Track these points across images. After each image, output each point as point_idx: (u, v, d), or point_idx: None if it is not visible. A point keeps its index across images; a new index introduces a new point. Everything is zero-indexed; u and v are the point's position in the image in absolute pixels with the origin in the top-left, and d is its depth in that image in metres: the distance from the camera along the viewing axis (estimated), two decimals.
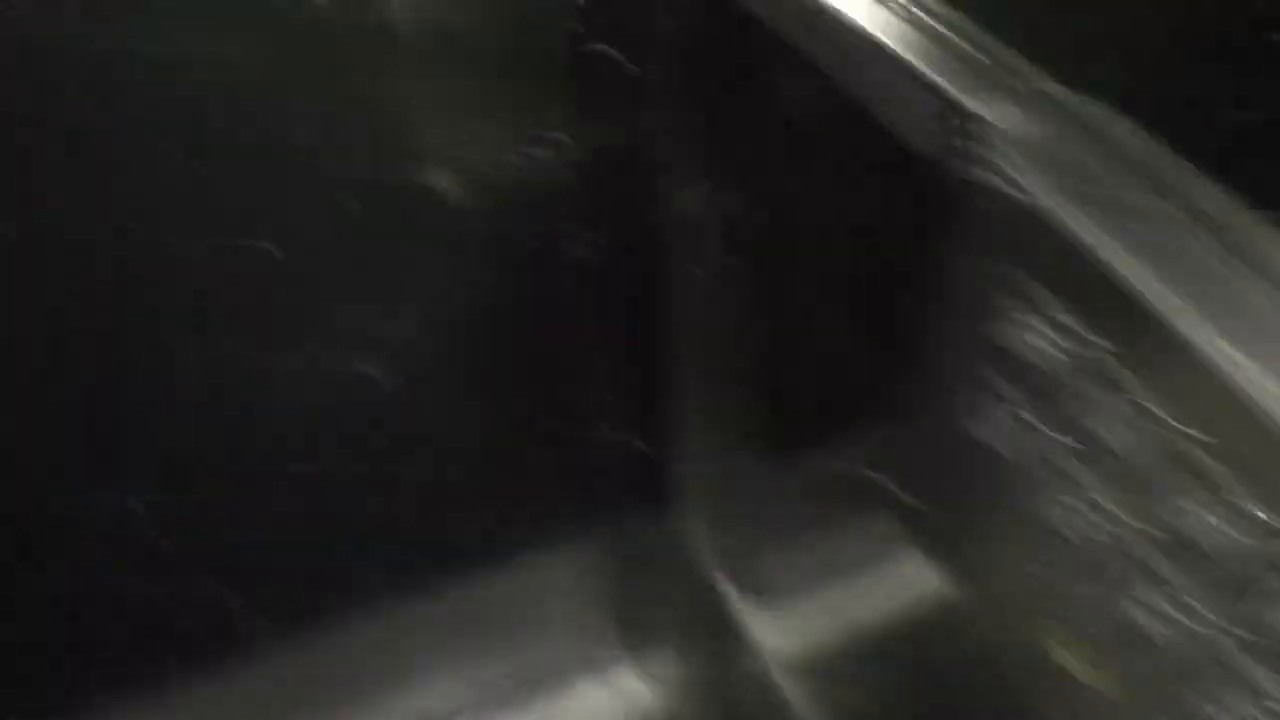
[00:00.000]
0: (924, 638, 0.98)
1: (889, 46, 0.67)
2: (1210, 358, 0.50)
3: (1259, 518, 0.49)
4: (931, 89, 0.64)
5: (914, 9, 0.69)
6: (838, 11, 0.69)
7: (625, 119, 0.83)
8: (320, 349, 0.86)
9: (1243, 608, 0.50)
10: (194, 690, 1.02)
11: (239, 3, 0.71)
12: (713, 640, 1.12)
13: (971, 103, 0.63)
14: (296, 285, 0.83)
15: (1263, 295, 0.52)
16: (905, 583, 1.00)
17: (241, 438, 0.89)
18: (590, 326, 0.93)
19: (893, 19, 0.68)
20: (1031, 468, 0.64)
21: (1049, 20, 0.64)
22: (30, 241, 0.75)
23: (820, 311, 0.84)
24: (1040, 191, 0.59)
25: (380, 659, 1.08)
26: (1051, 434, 0.62)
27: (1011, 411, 0.64)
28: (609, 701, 1.13)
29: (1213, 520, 0.51)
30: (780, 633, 1.07)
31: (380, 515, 0.97)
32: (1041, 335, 0.61)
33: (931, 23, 0.68)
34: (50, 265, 0.77)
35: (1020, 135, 0.61)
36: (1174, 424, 0.52)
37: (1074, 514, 0.62)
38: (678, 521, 1.07)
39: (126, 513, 0.89)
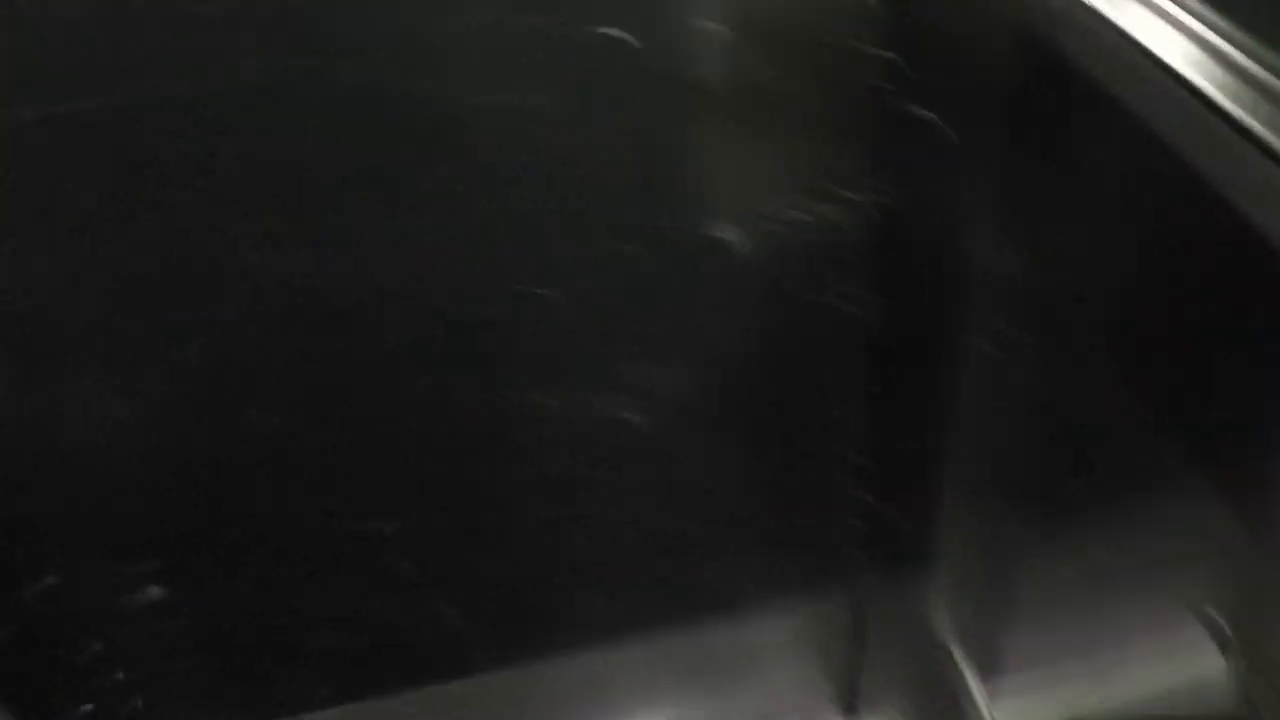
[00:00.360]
0: None
1: (1243, 120, 0.60)
2: None
3: None
4: None
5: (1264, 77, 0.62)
6: (1181, 72, 0.63)
7: (924, 179, 0.79)
8: (587, 393, 0.85)
9: None
10: (413, 705, 1.03)
11: (549, 54, 0.71)
12: (939, 713, 1.07)
13: None
14: (572, 329, 0.82)
15: None
16: (1154, 674, 0.94)
17: (498, 474, 0.89)
18: (857, 387, 0.90)
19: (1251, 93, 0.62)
20: None
21: None
22: (327, 277, 0.76)
23: (1114, 396, 0.78)
24: None
25: (595, 692, 1.08)
26: None
27: None
28: None
29: None
30: (1013, 712, 1.02)
31: (619, 557, 0.96)
32: None
33: None
34: (342, 299, 0.78)
35: None
36: None
37: None
38: (919, 590, 1.02)
39: (373, 535, 0.91)
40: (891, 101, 0.76)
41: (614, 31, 0.70)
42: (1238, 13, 0.62)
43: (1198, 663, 0.82)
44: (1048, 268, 0.80)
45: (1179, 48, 0.63)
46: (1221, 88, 0.61)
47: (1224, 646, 0.74)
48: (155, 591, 0.90)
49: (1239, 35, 0.62)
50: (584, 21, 0.69)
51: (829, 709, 1.12)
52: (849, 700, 1.12)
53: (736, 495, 0.96)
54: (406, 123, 0.72)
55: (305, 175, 0.73)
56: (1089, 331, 0.82)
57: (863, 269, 0.84)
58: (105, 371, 0.79)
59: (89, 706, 0.91)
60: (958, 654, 1.04)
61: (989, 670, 1.02)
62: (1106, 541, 0.89)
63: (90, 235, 0.73)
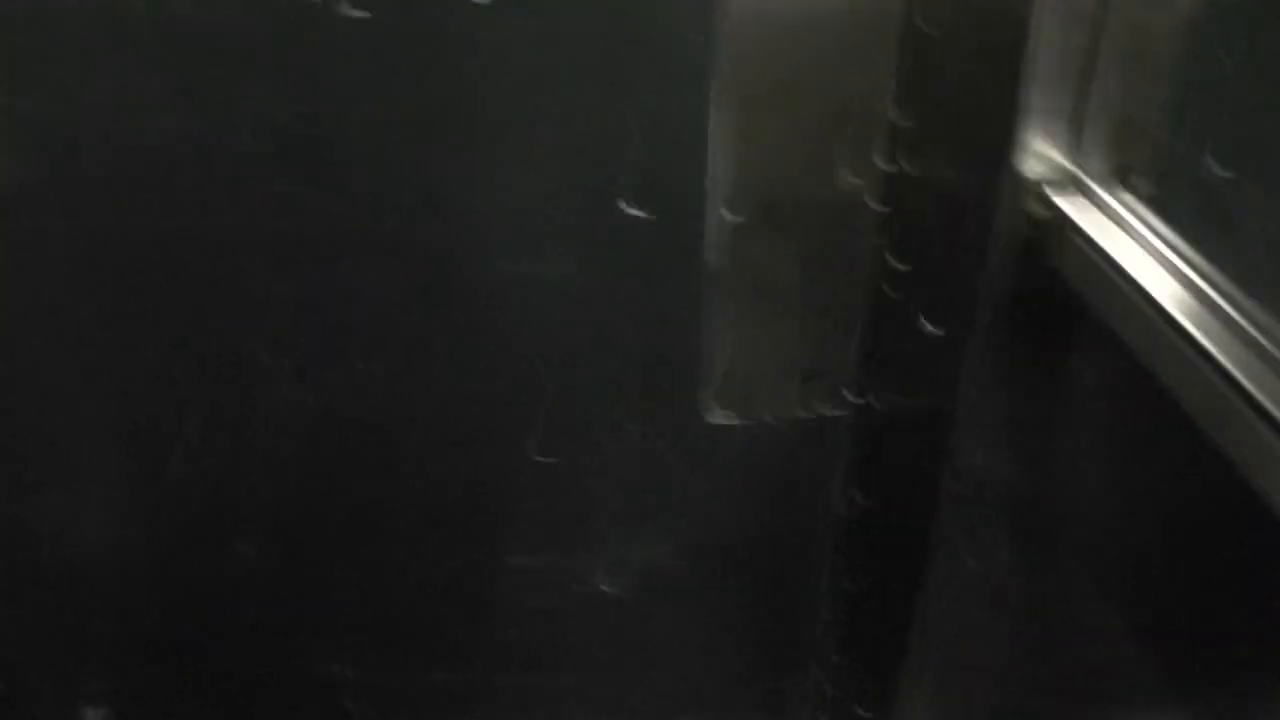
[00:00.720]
0: None
1: (1220, 361, 0.62)
2: None
3: None
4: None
5: (1242, 320, 0.63)
6: (1159, 303, 0.65)
7: (919, 383, 0.80)
8: (569, 560, 0.85)
9: None
10: None
11: (573, 227, 0.73)
12: None
13: None
14: (562, 497, 0.82)
15: None
16: None
17: (469, 631, 0.88)
18: (834, 580, 0.89)
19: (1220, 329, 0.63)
20: None
21: None
22: (327, 416, 0.77)
23: (1098, 615, 0.78)
24: None
25: None
26: None
27: None
28: None
29: None
30: None
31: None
32: None
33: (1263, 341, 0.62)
34: (338, 439, 0.79)
35: None
36: None
37: None
38: None
39: (336, 679, 0.89)
40: (892, 304, 0.78)
41: (636, 211, 0.72)
42: (1221, 257, 0.64)
43: None
44: (1034, 483, 0.81)
45: (1166, 285, 0.65)
46: (1202, 326, 0.63)
47: None
48: (103, 712, 0.88)
49: (1222, 278, 0.64)
50: (609, 200, 0.72)
51: None
52: None
53: (704, 671, 0.94)
54: (430, 277, 0.74)
55: (323, 314, 0.74)
56: (1068, 550, 0.82)
57: (851, 464, 0.84)
58: (84, 484, 0.79)
59: None
60: None
61: None
62: None
63: (99, 345, 0.74)
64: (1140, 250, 0.67)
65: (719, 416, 0.80)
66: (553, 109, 0.70)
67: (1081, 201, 0.69)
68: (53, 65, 0.64)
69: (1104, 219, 0.69)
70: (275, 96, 0.67)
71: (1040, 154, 0.70)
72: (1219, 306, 0.63)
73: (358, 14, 0.64)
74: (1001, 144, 0.70)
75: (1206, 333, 0.63)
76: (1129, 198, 0.68)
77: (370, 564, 0.83)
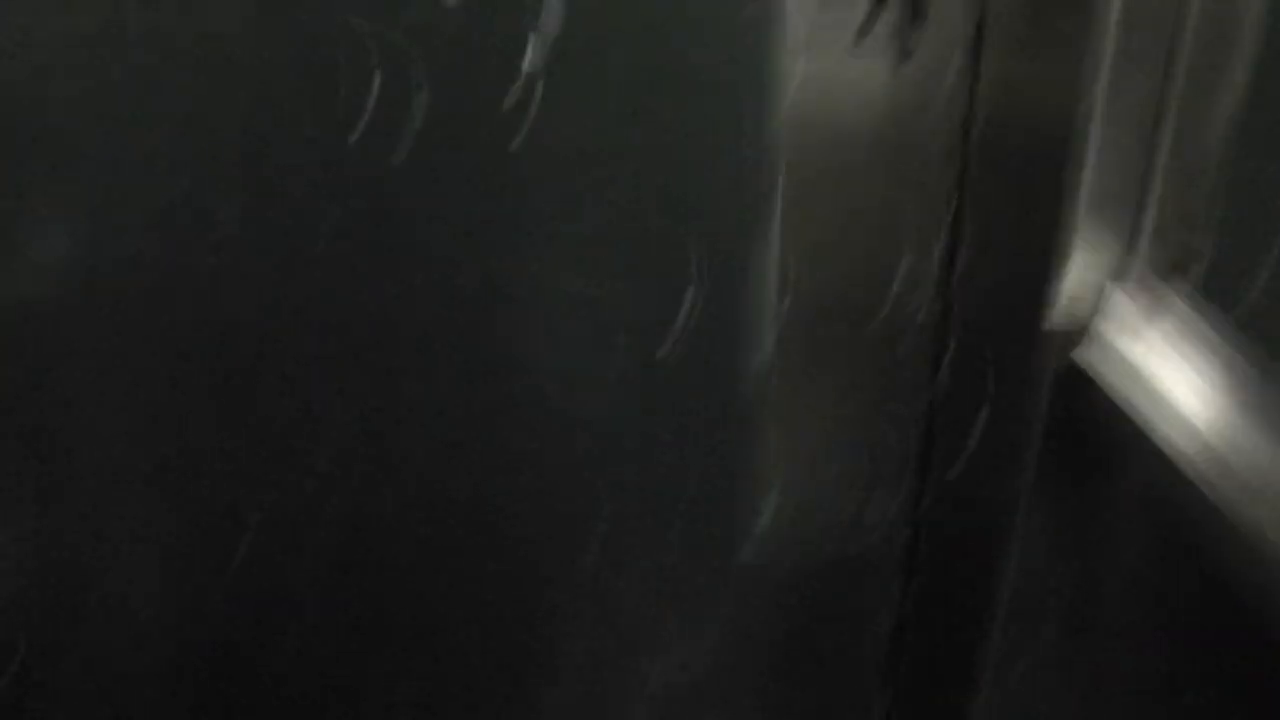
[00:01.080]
0: None
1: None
2: None
3: None
4: None
5: None
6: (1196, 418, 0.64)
7: (968, 497, 0.78)
8: (604, 660, 0.84)
9: None
10: None
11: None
12: None
13: None
14: (595, 593, 0.81)
15: None
16: None
17: None
18: (880, 693, 0.86)
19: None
20: None
21: None
22: (367, 461, 0.78)
23: None
24: None
25: None
26: None
27: None
28: None
29: None
30: None
31: None
32: None
33: None
34: (374, 490, 0.79)
35: None
36: None
37: None
38: None
39: None
40: (944, 413, 0.77)
41: None
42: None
43: None
44: (1084, 596, 0.79)
45: (1214, 400, 0.64)
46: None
47: None
48: None
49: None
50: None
51: None
52: None
53: None
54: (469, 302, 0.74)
55: (374, 402, 0.75)
56: (1119, 660, 0.79)
57: (898, 578, 0.83)
58: (128, 510, 0.78)
59: None
60: None
61: None
62: None
63: (148, 383, 0.74)
64: (1192, 354, 0.66)
65: (761, 523, 0.79)
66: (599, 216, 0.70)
67: (1133, 305, 0.69)
68: (105, 148, 0.65)
69: (1153, 324, 0.68)
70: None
71: (1093, 259, 0.70)
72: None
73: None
74: (1054, 249, 0.70)
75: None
76: (1183, 301, 0.67)
77: (415, 653, 0.83)
